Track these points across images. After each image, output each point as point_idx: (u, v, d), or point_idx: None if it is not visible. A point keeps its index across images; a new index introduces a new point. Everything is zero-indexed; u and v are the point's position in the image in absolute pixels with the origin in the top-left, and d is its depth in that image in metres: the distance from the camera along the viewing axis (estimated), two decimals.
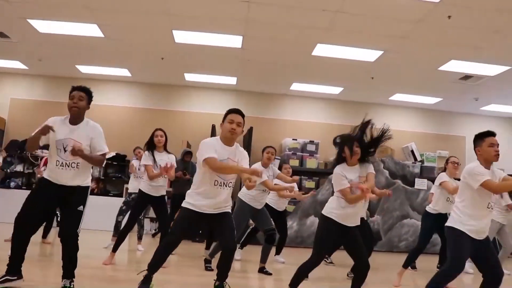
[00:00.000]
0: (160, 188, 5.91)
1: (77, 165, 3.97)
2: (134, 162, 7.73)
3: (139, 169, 7.36)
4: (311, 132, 11.28)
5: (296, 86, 10.92)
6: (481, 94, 10.50)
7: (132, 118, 11.15)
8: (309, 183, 10.24)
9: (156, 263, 4.04)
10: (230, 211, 4.12)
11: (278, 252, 7.24)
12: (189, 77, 10.71)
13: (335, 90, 11.00)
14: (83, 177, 4.08)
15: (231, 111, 4.11)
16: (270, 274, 6.05)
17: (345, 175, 4.08)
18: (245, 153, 4.18)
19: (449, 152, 10.97)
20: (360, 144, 4.15)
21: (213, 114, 10.86)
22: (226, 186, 3.98)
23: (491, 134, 3.99)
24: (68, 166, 3.95)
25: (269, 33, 7.68)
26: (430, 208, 6.20)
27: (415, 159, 11.08)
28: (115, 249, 5.87)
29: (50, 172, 4.03)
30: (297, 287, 4.17)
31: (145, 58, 9.53)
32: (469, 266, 7.21)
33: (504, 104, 11.36)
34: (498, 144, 3.95)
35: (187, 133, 10.52)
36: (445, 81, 9.62)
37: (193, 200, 3.98)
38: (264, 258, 6.14)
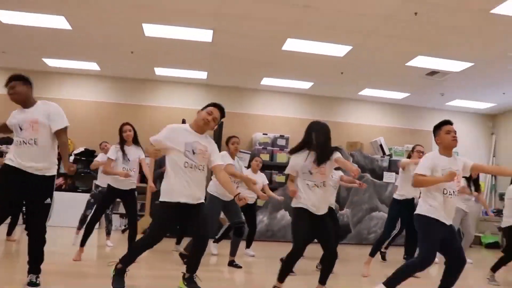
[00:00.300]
0: (128, 182, 5.81)
1: (35, 141, 3.88)
2: (99, 158, 7.61)
3: None
4: (281, 127, 11.34)
5: (266, 81, 10.96)
6: (447, 89, 10.74)
7: (101, 113, 10.99)
8: (279, 177, 10.30)
9: (131, 259, 4.04)
10: (204, 202, 4.13)
11: (248, 246, 7.27)
12: (159, 71, 10.63)
13: (305, 85, 11.08)
14: (47, 162, 3.96)
15: (213, 104, 4.18)
16: (240, 267, 6.06)
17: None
18: (215, 144, 4.24)
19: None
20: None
21: (184, 109, 10.85)
22: (197, 168, 3.98)
23: (447, 122, 4.13)
24: (26, 144, 3.87)
25: (240, 27, 7.68)
26: (396, 195, 6.30)
27: (384, 153, 11.27)
28: (83, 244, 5.77)
29: (13, 155, 3.92)
30: (283, 281, 4.18)
31: (115, 52, 9.40)
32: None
33: (468, 100, 11.66)
34: (455, 131, 4.06)
35: (158, 128, 10.15)
36: (412, 76, 9.81)
37: (169, 190, 3.95)
38: (233, 251, 6.14)
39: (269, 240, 9.33)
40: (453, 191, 3.94)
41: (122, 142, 5.85)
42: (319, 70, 9.79)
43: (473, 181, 7.35)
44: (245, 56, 9.22)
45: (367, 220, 10.36)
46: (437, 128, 4.15)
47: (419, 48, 8.22)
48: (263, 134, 10.89)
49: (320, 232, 4.21)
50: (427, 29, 7.32)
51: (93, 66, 10.41)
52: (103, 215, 6.83)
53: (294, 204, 4.23)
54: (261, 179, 7.05)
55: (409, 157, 6.55)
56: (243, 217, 6.16)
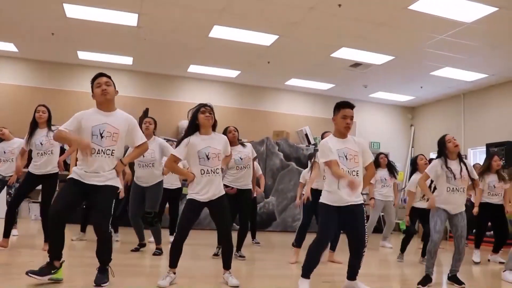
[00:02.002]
0: (43, 165, 5.56)
1: None
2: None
3: (4, 152, 6.89)
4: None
5: (193, 68, 10.88)
6: (370, 81, 11.14)
7: (20, 97, 10.41)
8: None
9: (52, 247, 3.69)
10: (114, 185, 3.81)
11: (171, 233, 7.19)
12: (83, 55, 10.25)
13: (232, 73, 11.11)
14: None
15: (95, 78, 3.91)
16: (159, 254, 5.87)
17: (188, 142, 4.09)
18: (131, 119, 3.97)
19: None
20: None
21: None
22: (104, 153, 3.73)
23: (347, 105, 4.03)
24: None
25: (166, 12, 7.55)
26: (314, 186, 5.99)
27: (309, 142, 11.53)
28: (6, 235, 5.53)
29: None
30: (175, 266, 4.10)
31: (33, 33, 8.93)
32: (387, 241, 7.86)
33: (389, 92, 12.15)
34: (351, 117, 4.00)
35: None
36: (337, 67, 10.08)
37: (76, 169, 3.75)
38: (157, 240, 5.99)
39: (194, 228, 9.27)
40: (352, 171, 3.93)
41: (34, 124, 5.60)
42: (246, 58, 9.83)
43: (387, 167, 7.68)
44: (171, 42, 9.08)
45: (292, 208, 10.55)
46: (336, 108, 4.08)
47: (343, 40, 8.45)
48: None
49: (214, 215, 4.26)
50: (350, 21, 7.54)
51: (10, 47, 9.86)
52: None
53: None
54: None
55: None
56: (156, 207, 5.84)
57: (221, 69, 10.84)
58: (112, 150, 3.77)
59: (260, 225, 10.16)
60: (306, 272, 3.95)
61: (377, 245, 8.08)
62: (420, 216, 6.26)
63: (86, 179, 3.70)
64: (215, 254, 5.83)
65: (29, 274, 3.53)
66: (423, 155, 6.73)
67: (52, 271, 3.66)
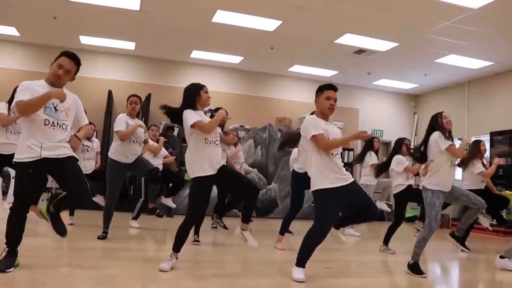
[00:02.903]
0: (12, 145, 5.28)
1: None
2: None
3: None
4: (211, 101, 11.19)
5: (196, 54, 10.80)
6: (373, 68, 11.05)
7: (20, 82, 10.35)
8: None
9: (13, 235, 3.49)
10: (75, 155, 3.70)
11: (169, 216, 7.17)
12: (85, 39, 10.17)
13: (236, 59, 11.03)
14: None
15: (65, 54, 3.69)
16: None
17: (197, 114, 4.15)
18: (78, 99, 3.93)
19: (344, 123, 11.54)
20: None
21: (111, 80, 10.54)
22: (59, 127, 3.60)
23: (331, 87, 4.00)
24: None
25: None
26: (297, 168, 5.78)
27: None
28: None
29: None
30: (179, 251, 4.00)
31: (35, 16, 8.86)
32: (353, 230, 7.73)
33: (393, 79, 12.07)
34: (335, 99, 3.97)
35: (83, 99, 9.69)
36: (340, 54, 9.99)
37: (28, 147, 3.49)
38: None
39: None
40: (335, 154, 3.89)
41: (10, 103, 5.50)
42: (250, 44, 9.75)
43: (376, 151, 7.65)
44: (174, 27, 9.00)
45: None
46: (319, 90, 4.04)
47: (347, 26, 8.37)
48: None
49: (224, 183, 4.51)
50: (355, 7, 7.45)
51: (11, 31, 9.79)
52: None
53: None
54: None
55: None
56: (153, 165, 5.89)
57: (224, 55, 10.76)
58: (67, 125, 3.69)
59: (262, 212, 10.18)
60: (302, 262, 3.86)
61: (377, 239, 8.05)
62: (410, 197, 6.21)
63: (46, 152, 3.51)
64: (196, 240, 5.73)
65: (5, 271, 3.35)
66: (408, 139, 6.72)
67: (16, 258, 3.50)
